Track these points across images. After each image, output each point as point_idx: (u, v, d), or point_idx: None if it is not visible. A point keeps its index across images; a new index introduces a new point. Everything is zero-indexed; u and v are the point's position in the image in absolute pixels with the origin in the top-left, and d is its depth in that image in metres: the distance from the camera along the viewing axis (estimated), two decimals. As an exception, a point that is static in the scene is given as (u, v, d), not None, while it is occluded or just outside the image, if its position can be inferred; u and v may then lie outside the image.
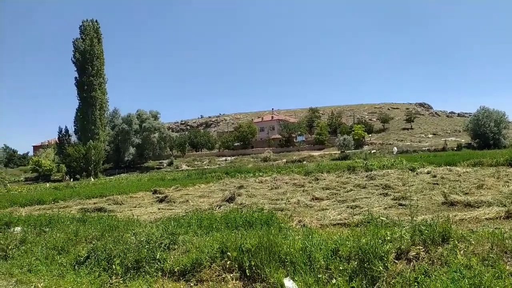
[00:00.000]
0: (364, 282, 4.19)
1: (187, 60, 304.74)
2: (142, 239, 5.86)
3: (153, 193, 18.16)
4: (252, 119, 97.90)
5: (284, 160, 50.50)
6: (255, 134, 77.44)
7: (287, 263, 4.79)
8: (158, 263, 5.31)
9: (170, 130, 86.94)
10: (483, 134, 49.78)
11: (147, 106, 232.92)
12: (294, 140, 73.77)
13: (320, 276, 4.43)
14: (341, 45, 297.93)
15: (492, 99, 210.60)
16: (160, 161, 65.41)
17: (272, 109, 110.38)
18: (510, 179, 13.66)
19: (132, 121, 63.26)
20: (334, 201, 11.43)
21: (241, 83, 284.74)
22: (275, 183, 18.53)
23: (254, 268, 4.79)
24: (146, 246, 5.59)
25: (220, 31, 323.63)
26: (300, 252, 4.94)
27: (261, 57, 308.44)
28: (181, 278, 4.99)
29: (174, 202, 14.04)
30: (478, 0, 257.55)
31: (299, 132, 74.39)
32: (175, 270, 5.11)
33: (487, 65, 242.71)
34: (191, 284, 4.81)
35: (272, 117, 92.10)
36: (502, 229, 5.24)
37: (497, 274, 3.80)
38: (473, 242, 4.56)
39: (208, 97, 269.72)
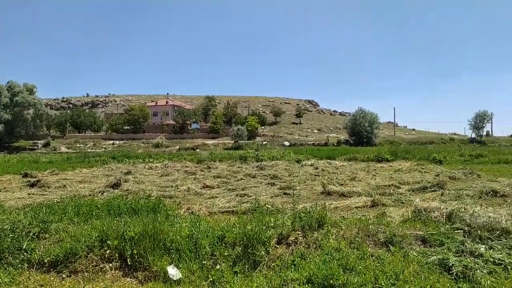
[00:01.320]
0: (246, 266, 4.34)
1: (74, 31, 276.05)
2: (5, 227, 5.10)
3: (23, 177, 16.03)
4: (145, 103, 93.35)
5: (177, 147, 49.48)
6: (147, 119, 73.97)
7: (173, 250, 4.70)
8: (25, 253, 4.70)
9: (49, 107, 77.81)
10: (359, 133, 55.98)
11: (21, 78, 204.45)
12: (189, 128, 72.77)
13: (205, 262, 4.46)
14: (241, 37, 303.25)
15: (368, 102, 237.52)
16: (35, 141, 57.88)
17: (167, 93, 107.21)
18: (377, 173, 15.60)
19: (1, 93, 54.66)
20: (225, 189, 11.60)
21: (133, 62, 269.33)
22: (165, 170, 18.03)
23: (136, 256, 4.57)
24: (10, 235, 4.90)
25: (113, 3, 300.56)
26: (187, 239, 4.88)
27: (158, 38, 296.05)
28: (51, 270, 4.51)
29: (48, 187, 12.58)
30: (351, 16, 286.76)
31: (194, 120, 73.62)
32: (45, 261, 4.59)
33: (366, 72, 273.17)
34: (63, 276, 4.37)
35: (166, 102, 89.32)
36: (368, 216, 5.96)
37: (360, 256, 4.29)
38: (343, 227, 5.08)
39: (96, 74, 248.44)
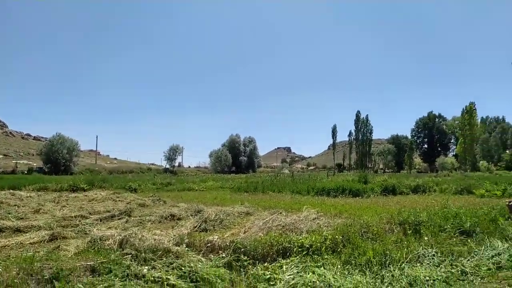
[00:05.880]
0: None
1: None
2: None
3: None
4: None
5: None
6: None
7: None
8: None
9: None
10: (56, 160, 51.68)
11: None
12: None
13: None
14: None
15: (68, 128, 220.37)
16: None
17: None
18: (68, 204, 14.60)
19: None
20: None
21: None
22: None
23: None
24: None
25: None
26: None
27: None
28: None
29: None
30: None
31: None
32: None
33: (72, 95, 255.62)
34: None
35: None
36: (37, 253, 5.42)
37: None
38: (1, 269, 4.38)
39: None
